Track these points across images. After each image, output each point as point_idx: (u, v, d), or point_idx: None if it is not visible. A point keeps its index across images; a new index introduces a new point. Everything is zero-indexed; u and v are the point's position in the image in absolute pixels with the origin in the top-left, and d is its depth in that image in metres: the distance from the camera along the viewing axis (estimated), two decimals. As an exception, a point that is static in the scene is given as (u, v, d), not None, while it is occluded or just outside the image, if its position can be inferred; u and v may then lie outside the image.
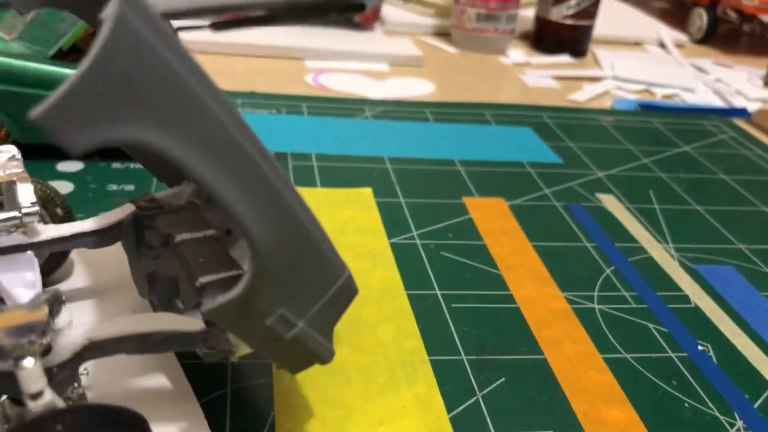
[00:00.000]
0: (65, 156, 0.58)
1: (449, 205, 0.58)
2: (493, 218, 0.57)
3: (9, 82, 0.54)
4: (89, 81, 0.21)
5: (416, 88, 0.87)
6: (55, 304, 0.27)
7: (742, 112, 0.89)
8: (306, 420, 0.36)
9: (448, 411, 0.37)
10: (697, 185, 0.67)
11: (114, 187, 0.55)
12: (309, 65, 0.91)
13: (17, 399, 0.29)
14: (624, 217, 0.60)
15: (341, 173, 0.61)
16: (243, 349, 0.31)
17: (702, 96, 0.95)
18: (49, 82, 0.54)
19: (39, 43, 0.57)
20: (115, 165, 0.58)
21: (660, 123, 0.83)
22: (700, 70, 1.06)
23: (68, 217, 0.40)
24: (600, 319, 0.46)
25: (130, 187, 0.55)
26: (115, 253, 0.44)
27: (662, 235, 0.57)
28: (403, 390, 0.38)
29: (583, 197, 0.62)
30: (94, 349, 0.29)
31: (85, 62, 0.21)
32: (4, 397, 0.30)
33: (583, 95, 0.90)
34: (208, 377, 0.37)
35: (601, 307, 0.47)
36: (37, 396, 0.26)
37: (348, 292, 0.30)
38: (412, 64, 0.95)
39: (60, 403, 0.26)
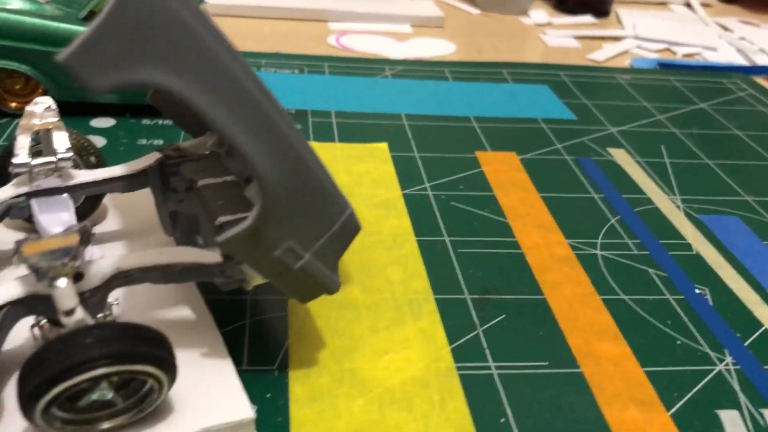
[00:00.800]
0: (99, 113, 0.61)
1: (462, 159, 0.60)
2: (504, 171, 0.59)
3: (44, 42, 0.57)
4: (106, 28, 0.24)
5: (437, 48, 0.89)
6: (85, 234, 0.31)
7: (763, 70, 0.89)
8: (317, 349, 0.39)
9: (450, 343, 0.40)
10: (709, 140, 0.68)
11: (144, 141, 0.58)
12: (332, 27, 0.93)
13: (55, 321, 0.32)
14: (633, 171, 0.61)
15: (359, 129, 0.64)
16: (256, 280, 0.34)
17: (724, 55, 0.95)
18: (81, 42, 0.57)
19: (71, 5, 0.60)
20: (145, 121, 0.62)
21: (678, 81, 0.84)
22: (725, 28, 1.06)
23: (101, 165, 0.43)
24: (601, 264, 0.48)
25: (159, 142, 0.59)
26: (144, 199, 0.47)
27: (670, 187, 0.59)
28: (408, 324, 0.41)
29: (594, 152, 0.64)
30: (122, 277, 0.33)
31: (103, 12, 0.24)
32: (44, 321, 0.33)
33: (602, 54, 0.91)
34: (228, 311, 0.40)
35: (603, 253, 0.49)
36: (69, 313, 0.29)
37: (351, 227, 0.33)
38: (434, 25, 0.96)
39: (90, 321, 0.30)
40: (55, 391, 0.27)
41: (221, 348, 0.36)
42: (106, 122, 0.61)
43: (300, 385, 0.36)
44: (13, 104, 0.60)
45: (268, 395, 0.35)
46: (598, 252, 0.50)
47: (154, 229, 0.44)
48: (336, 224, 0.32)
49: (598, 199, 0.56)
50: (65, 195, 0.39)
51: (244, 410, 0.33)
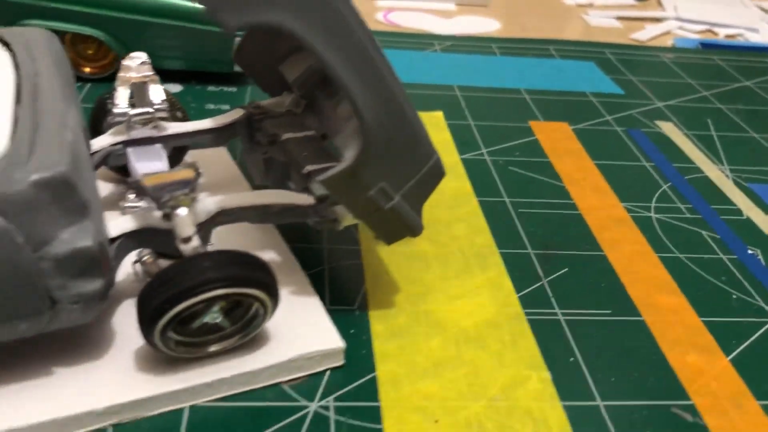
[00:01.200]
0: (167, 79, 0.64)
1: (516, 128, 0.62)
2: (557, 140, 0.61)
3: (117, 9, 0.60)
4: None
5: (482, 26, 0.90)
6: (198, 171, 0.33)
7: (805, 51, 0.90)
8: (393, 293, 0.41)
9: (517, 292, 0.42)
10: (755, 115, 0.70)
11: (211, 106, 0.61)
12: (379, 4, 0.95)
13: (163, 254, 0.35)
14: (682, 142, 0.63)
15: (414, 99, 0.66)
16: (347, 220, 0.36)
17: (766, 36, 0.96)
18: (157, 11, 0.60)
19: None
20: (210, 88, 0.64)
21: (721, 60, 0.85)
22: (765, 11, 1.07)
23: (185, 120, 0.46)
24: (656, 226, 0.50)
25: (226, 107, 0.61)
26: (221, 157, 0.50)
27: (718, 157, 0.61)
28: (477, 274, 0.43)
29: (642, 124, 0.66)
30: (224, 215, 0.35)
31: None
32: (146, 257, 0.36)
33: (644, 34, 0.92)
34: (308, 258, 0.42)
35: (657, 216, 0.51)
36: (187, 240, 0.32)
37: (437, 172, 0.35)
38: (479, 4, 0.98)
39: (203, 249, 0.32)
40: (176, 310, 0.30)
41: (309, 287, 0.39)
42: (174, 88, 0.63)
43: (380, 323, 0.39)
44: (87, 69, 0.62)
45: (352, 331, 0.38)
46: (653, 215, 0.51)
47: (234, 182, 0.47)
48: (424, 168, 0.35)
49: (649, 168, 0.58)
50: (158, 145, 0.41)
51: (335, 340, 0.35)
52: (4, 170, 0.27)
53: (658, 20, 0.99)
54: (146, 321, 0.30)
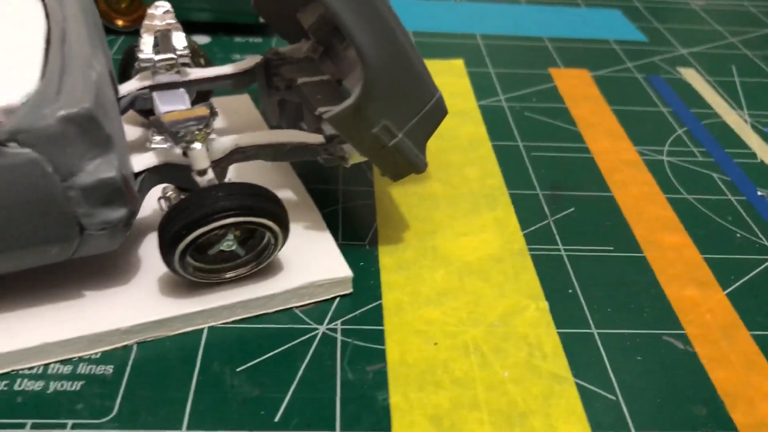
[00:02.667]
0: (195, 31, 0.66)
1: (535, 75, 0.63)
2: (576, 86, 0.62)
3: (148, -37, 0.62)
4: None
5: (510, -25, 0.90)
6: (212, 109, 0.35)
7: (843, -3, 0.88)
8: (402, 230, 0.43)
9: (522, 229, 0.44)
10: (781, 62, 0.69)
11: (237, 56, 0.63)
12: (407, -44, 0.95)
13: (183, 188, 0.37)
14: (702, 88, 0.63)
15: (436, 47, 0.67)
16: (355, 158, 0.38)
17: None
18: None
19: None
20: (237, 39, 0.66)
21: (754, 6, 0.84)
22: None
23: (208, 66, 0.48)
24: (667, 168, 0.51)
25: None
26: (242, 104, 0.52)
27: (738, 103, 0.61)
28: (485, 213, 0.45)
29: (664, 70, 0.66)
30: (240, 152, 0.37)
31: None
32: (169, 192, 0.39)
33: (677, -19, 0.91)
34: (323, 198, 0.45)
35: (669, 159, 0.52)
36: (203, 172, 0.34)
37: (439, 111, 0.37)
38: (507, -46, 0.97)
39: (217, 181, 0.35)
40: (193, 235, 0.33)
41: (321, 222, 0.41)
42: (202, 39, 0.66)
43: (388, 257, 0.41)
44: (120, 22, 0.65)
45: (361, 263, 0.40)
46: (665, 158, 0.52)
47: (256, 126, 0.49)
48: (426, 106, 0.36)
49: (666, 113, 0.59)
50: (182, 89, 0.44)
51: (343, 270, 0.38)
52: (34, 107, 0.30)
53: (692, -33, 0.97)
54: (166, 246, 0.33)
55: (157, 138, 0.42)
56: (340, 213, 0.44)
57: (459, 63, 0.64)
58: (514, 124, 0.55)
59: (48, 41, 0.34)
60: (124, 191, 0.32)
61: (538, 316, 0.38)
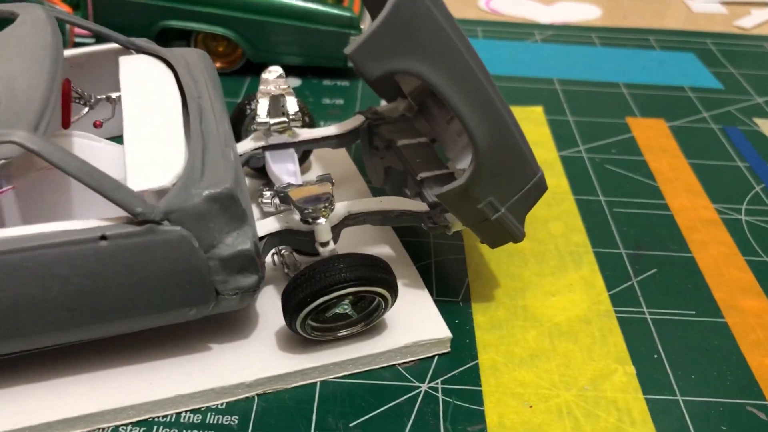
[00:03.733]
0: (289, 73, 0.70)
1: (613, 125, 0.65)
2: (653, 138, 0.64)
3: (246, 11, 0.66)
4: (383, 29, 0.31)
5: (583, 12, 0.92)
6: (333, 183, 0.39)
7: None
8: (493, 287, 0.46)
9: (608, 290, 0.46)
10: None
11: (327, 101, 0.67)
12: (481, -10, 0.98)
13: (299, 250, 0.41)
14: (779, 141, 0.64)
15: (514, 92, 0.70)
16: (456, 226, 0.41)
17: None
18: (279, 12, 0.66)
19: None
20: (326, 82, 0.70)
21: (830, 50, 0.84)
22: None
23: (312, 124, 0.52)
24: (745, 228, 0.53)
25: (340, 101, 0.67)
26: (341, 155, 0.56)
27: (816, 158, 0.62)
28: (571, 272, 0.48)
29: (740, 121, 0.67)
30: (351, 218, 0.41)
31: (381, 16, 0.31)
32: (282, 250, 0.42)
33: (750, 21, 0.91)
34: (417, 252, 0.48)
35: (747, 218, 0.54)
36: (325, 244, 0.37)
37: (540, 188, 0.40)
38: (580, -11, 0.99)
39: (337, 251, 0.38)
40: (316, 303, 0.36)
41: (419, 280, 0.44)
42: (293, 82, 0.69)
43: (481, 315, 0.44)
44: (218, 64, 0.69)
45: (456, 321, 0.43)
46: (743, 217, 0.54)
47: (352, 178, 0.52)
48: (528, 184, 0.39)
49: (743, 168, 0.60)
50: (291, 149, 0.47)
51: (443, 331, 0.41)
52: (182, 188, 0.34)
53: (765, 4, 0.98)
54: (290, 310, 0.37)
55: (267, 194, 0.46)
56: (433, 268, 0.47)
57: (538, 110, 0.67)
58: (595, 178, 0.57)
59: (187, 119, 0.38)
60: (256, 260, 0.36)
61: (625, 381, 0.40)
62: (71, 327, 0.34)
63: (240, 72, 0.70)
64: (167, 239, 0.33)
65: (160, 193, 0.34)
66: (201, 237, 0.34)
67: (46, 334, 0.34)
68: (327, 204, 0.37)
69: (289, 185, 0.39)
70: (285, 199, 0.38)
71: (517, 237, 0.41)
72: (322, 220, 0.37)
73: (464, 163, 0.43)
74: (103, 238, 0.32)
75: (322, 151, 0.56)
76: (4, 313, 0.32)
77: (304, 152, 0.52)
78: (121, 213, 0.33)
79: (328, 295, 0.36)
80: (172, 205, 0.33)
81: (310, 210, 0.37)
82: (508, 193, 0.39)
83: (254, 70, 0.69)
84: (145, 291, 0.34)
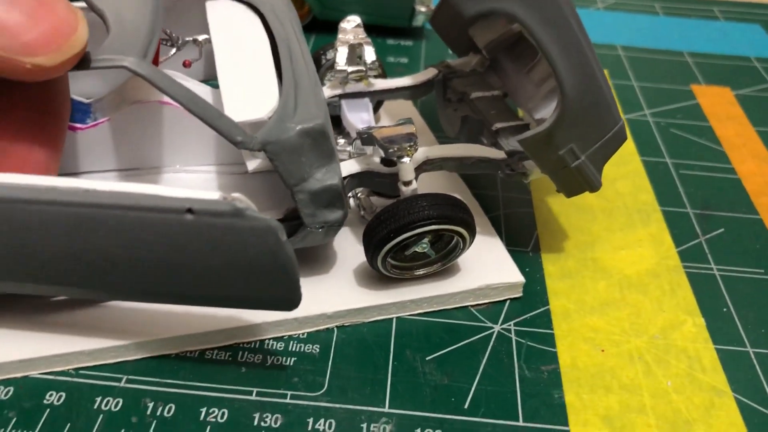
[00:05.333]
0: (352, 32, 0.70)
1: (678, 91, 0.65)
2: (718, 104, 0.63)
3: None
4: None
5: (644, -17, 0.91)
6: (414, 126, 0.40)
7: None
8: (562, 240, 0.47)
9: (676, 246, 0.47)
10: None
11: (391, 59, 0.67)
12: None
13: (376, 192, 0.42)
14: None
15: (579, 58, 0.70)
16: (534, 174, 0.42)
17: None
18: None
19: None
20: (390, 41, 0.71)
21: None
22: None
23: (384, 77, 0.52)
24: (814, 194, 0.53)
25: (404, 60, 0.67)
26: (408, 108, 0.57)
27: None
28: (639, 228, 0.48)
29: (808, 92, 0.66)
30: (429, 163, 0.42)
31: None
32: (359, 192, 0.43)
33: (817, -5, 0.90)
34: (485, 203, 0.48)
35: (816, 185, 0.54)
36: (408, 183, 0.38)
37: (620, 137, 0.40)
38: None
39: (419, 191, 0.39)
40: (398, 239, 0.37)
41: (491, 228, 0.45)
42: (358, 40, 0.70)
43: (552, 265, 0.45)
44: (284, 21, 0.70)
45: (527, 269, 0.44)
46: (812, 183, 0.54)
47: (421, 132, 0.53)
48: (609, 133, 0.40)
49: (812, 137, 0.60)
50: (366, 99, 0.48)
51: (516, 275, 0.42)
52: (278, 121, 0.35)
53: (832, -20, 0.96)
54: (373, 247, 0.38)
55: (341, 141, 0.47)
56: (501, 219, 0.48)
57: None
58: (661, 140, 0.58)
59: (278, 59, 0.39)
60: (342, 196, 0.37)
61: (695, 332, 0.41)
62: (145, 291, 0.34)
63: (305, 29, 0.70)
64: (253, 227, 0.31)
65: (254, 127, 0.35)
66: (293, 170, 0.35)
67: (122, 291, 0.34)
68: (411, 143, 0.38)
69: (372, 127, 0.40)
70: (369, 139, 0.39)
71: (594, 186, 0.41)
72: (406, 159, 0.38)
73: (543, 113, 0.44)
74: (190, 211, 0.31)
75: (391, 105, 0.56)
76: (86, 264, 0.32)
77: (376, 104, 0.52)
78: (210, 159, 0.33)
79: (411, 232, 0.37)
80: (268, 137, 0.34)
81: (396, 149, 0.38)
82: (589, 140, 0.39)
83: (318, 27, 0.70)
84: (221, 273, 0.33)
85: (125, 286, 0.33)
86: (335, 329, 0.39)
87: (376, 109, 0.54)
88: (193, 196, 0.31)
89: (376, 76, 0.51)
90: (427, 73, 0.50)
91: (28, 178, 0.30)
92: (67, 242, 0.31)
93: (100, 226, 0.31)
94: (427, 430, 0.35)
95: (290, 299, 0.34)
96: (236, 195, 0.31)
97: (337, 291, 0.40)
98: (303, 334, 0.39)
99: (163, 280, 0.33)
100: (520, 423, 0.35)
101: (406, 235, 0.37)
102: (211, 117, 0.33)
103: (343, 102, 0.48)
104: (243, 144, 0.34)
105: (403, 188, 0.39)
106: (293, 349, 0.38)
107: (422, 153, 0.41)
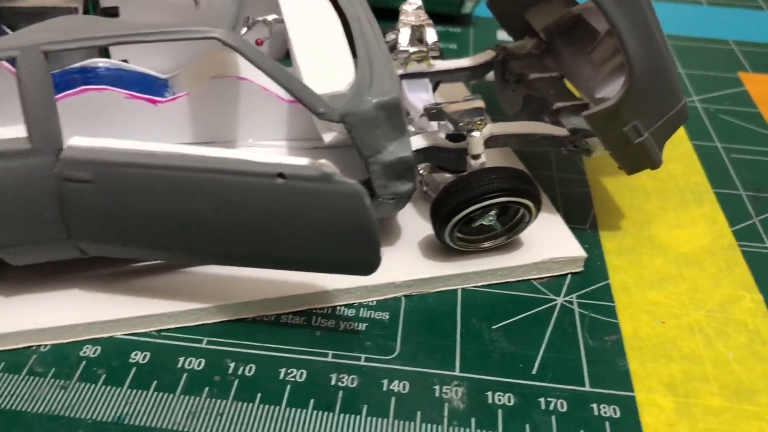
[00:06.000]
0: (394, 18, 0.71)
1: (725, 78, 0.66)
2: (767, 92, 0.64)
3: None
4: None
5: (686, -26, 0.92)
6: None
7: None
8: (619, 218, 0.48)
9: (730, 226, 0.48)
10: None
11: (440, 45, 0.68)
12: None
13: (441, 167, 0.43)
14: None
15: (625, 45, 0.70)
16: (598, 150, 0.43)
17: None
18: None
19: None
20: (438, 28, 0.71)
21: None
22: None
23: (440, 58, 0.54)
24: None
25: (453, 46, 0.69)
26: (461, 89, 0.58)
27: None
28: (693, 208, 0.49)
29: None
30: (493, 140, 0.43)
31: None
32: (421, 169, 0.44)
33: None
34: (541, 182, 0.49)
35: None
36: (477, 157, 0.40)
37: (682, 115, 0.41)
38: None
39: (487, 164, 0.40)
40: (468, 210, 0.38)
41: (551, 206, 0.46)
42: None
43: (609, 242, 0.46)
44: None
45: (586, 246, 0.45)
46: None
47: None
48: (673, 110, 0.41)
49: None
50: (426, 79, 0.50)
51: (577, 249, 0.43)
52: (356, 94, 0.36)
53: None
54: (441, 219, 0.39)
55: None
56: (558, 198, 0.49)
57: (650, 62, 0.67)
58: (710, 125, 0.58)
59: (351, 37, 0.41)
60: (414, 168, 0.38)
61: (753, 307, 0.41)
62: (233, 254, 0.36)
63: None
64: (340, 191, 0.33)
65: (333, 100, 0.37)
66: (368, 142, 0.37)
67: (211, 254, 0.36)
68: (482, 118, 0.39)
69: (439, 103, 0.41)
70: (437, 115, 0.41)
71: (656, 163, 0.42)
72: (476, 133, 0.39)
73: (604, 92, 0.45)
74: (281, 176, 0.33)
75: (444, 89, 0.58)
76: (180, 227, 0.34)
77: (434, 85, 0.54)
78: (282, 134, 0.34)
79: (480, 204, 0.38)
80: (348, 109, 0.36)
81: (466, 122, 0.39)
82: (653, 117, 0.40)
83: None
84: (308, 237, 0.34)
85: (215, 250, 0.35)
86: (402, 298, 0.41)
87: (433, 90, 0.55)
88: (284, 162, 0.32)
89: (434, 58, 0.52)
90: (485, 55, 0.51)
91: (130, 144, 0.32)
92: (164, 205, 0.33)
93: (196, 190, 0.32)
94: (497, 393, 0.36)
95: (370, 263, 0.35)
96: (323, 161, 0.32)
97: (404, 262, 0.41)
98: (372, 301, 0.40)
99: (250, 243, 0.34)
100: (587, 388, 0.36)
101: (475, 206, 0.38)
102: (296, 88, 0.35)
103: (404, 82, 0.49)
104: (324, 115, 0.35)
105: (472, 162, 0.40)
106: (364, 315, 0.40)
107: (487, 129, 0.42)
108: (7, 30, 0.42)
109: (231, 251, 0.35)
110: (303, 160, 0.32)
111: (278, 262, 0.36)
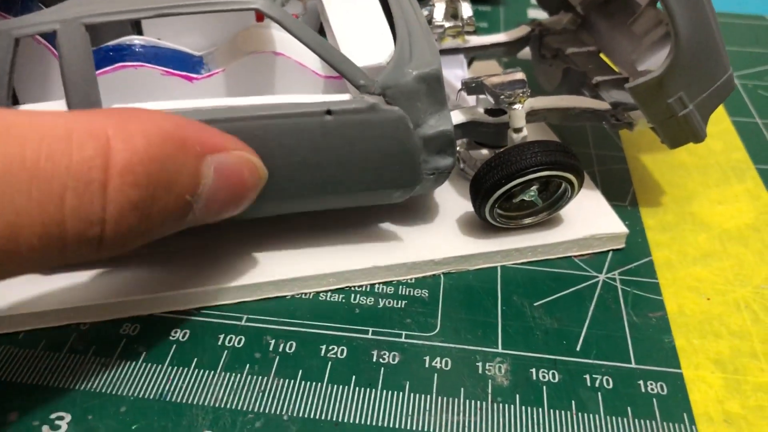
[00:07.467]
0: (430, -3, 0.71)
1: (763, 54, 0.64)
2: (806, 67, 0.62)
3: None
4: None
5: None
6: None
7: None
8: (659, 194, 0.47)
9: (775, 202, 0.46)
10: None
11: (471, 23, 0.68)
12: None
13: (479, 143, 0.42)
14: None
15: (659, 22, 0.69)
16: (641, 124, 0.42)
17: None
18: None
19: None
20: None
21: None
22: None
23: (474, 34, 0.53)
24: None
25: (483, 24, 0.68)
26: (493, 66, 0.57)
27: None
28: (735, 185, 0.48)
29: None
30: (533, 114, 0.42)
31: None
32: (458, 146, 0.44)
33: None
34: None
35: None
36: (519, 130, 0.39)
37: (728, 87, 0.40)
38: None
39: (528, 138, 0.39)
40: (510, 185, 0.37)
41: (591, 183, 0.45)
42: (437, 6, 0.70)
43: (651, 219, 0.45)
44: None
45: (627, 222, 0.44)
46: None
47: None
48: (718, 82, 0.39)
49: None
50: (461, 54, 0.49)
51: (619, 226, 0.42)
52: (396, 66, 0.36)
53: None
54: (482, 195, 0.38)
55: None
56: (597, 175, 0.48)
57: (685, 38, 0.66)
58: (749, 101, 0.57)
59: (389, 11, 0.40)
60: (455, 143, 0.37)
61: (801, 283, 0.41)
62: (288, 198, 0.36)
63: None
64: (387, 118, 0.35)
65: (372, 72, 0.36)
66: (410, 115, 0.36)
67: (266, 203, 0.36)
68: (524, 90, 0.38)
69: (479, 76, 0.40)
70: (477, 88, 0.40)
71: (700, 136, 0.41)
72: (518, 106, 0.38)
73: (647, 64, 0.44)
74: (329, 112, 0.34)
75: (479, 66, 0.57)
76: None
77: (469, 61, 0.53)
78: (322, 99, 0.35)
79: (523, 178, 0.37)
80: (388, 81, 0.35)
81: (508, 95, 0.38)
82: (698, 89, 0.39)
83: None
84: (361, 167, 0.36)
85: (272, 195, 0.35)
86: (441, 276, 0.40)
87: (468, 66, 0.54)
88: (328, 99, 0.34)
89: (469, 33, 0.51)
90: (521, 30, 0.50)
91: (171, 104, 0.33)
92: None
93: (249, 139, 0.33)
94: (541, 369, 0.35)
95: (413, 179, 0.37)
96: (364, 94, 0.34)
97: (443, 239, 0.41)
98: (411, 279, 0.40)
99: (305, 182, 0.36)
100: (633, 365, 0.36)
101: (518, 181, 0.37)
102: (336, 60, 0.34)
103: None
104: (364, 87, 0.35)
105: (514, 135, 0.39)
106: (403, 293, 0.39)
107: (527, 103, 0.42)
108: (42, 6, 0.42)
109: (286, 196, 0.36)
110: (345, 96, 0.35)
111: (334, 200, 0.38)
